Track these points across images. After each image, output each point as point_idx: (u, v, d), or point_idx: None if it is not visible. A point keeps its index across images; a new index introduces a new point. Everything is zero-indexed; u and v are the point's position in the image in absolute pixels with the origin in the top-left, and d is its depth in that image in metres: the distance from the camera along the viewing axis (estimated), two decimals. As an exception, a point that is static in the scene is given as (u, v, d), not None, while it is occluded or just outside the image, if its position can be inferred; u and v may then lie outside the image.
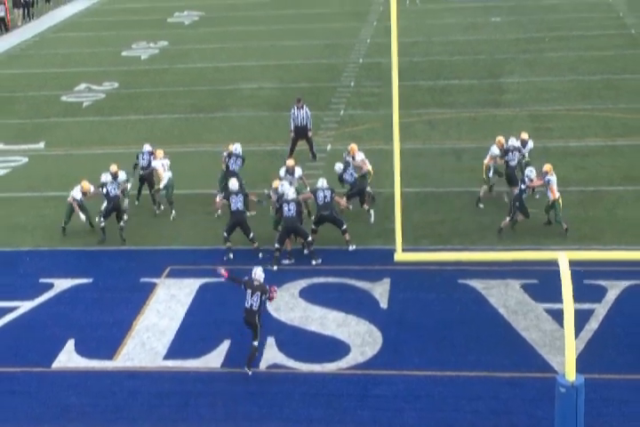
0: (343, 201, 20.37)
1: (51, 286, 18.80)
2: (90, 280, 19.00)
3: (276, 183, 20.26)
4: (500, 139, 22.21)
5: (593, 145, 25.18)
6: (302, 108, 24.81)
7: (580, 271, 15.89)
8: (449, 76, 32.00)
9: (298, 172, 21.15)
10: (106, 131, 27.93)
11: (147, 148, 22.43)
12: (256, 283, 15.72)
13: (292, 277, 18.63)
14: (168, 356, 16.27)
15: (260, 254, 19.53)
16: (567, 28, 37.87)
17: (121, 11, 46.07)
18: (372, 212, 20.93)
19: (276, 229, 19.84)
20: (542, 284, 17.69)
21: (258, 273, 15.79)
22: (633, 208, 21.31)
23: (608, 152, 24.55)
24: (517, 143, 21.95)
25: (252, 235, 19.87)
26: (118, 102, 30.84)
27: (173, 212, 21.64)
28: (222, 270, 16.00)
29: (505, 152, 21.84)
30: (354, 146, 22.09)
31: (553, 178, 19.90)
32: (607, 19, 39.37)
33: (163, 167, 22.10)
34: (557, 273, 14.17)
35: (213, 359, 16.10)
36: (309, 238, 19.45)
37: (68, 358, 16.29)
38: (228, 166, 22.26)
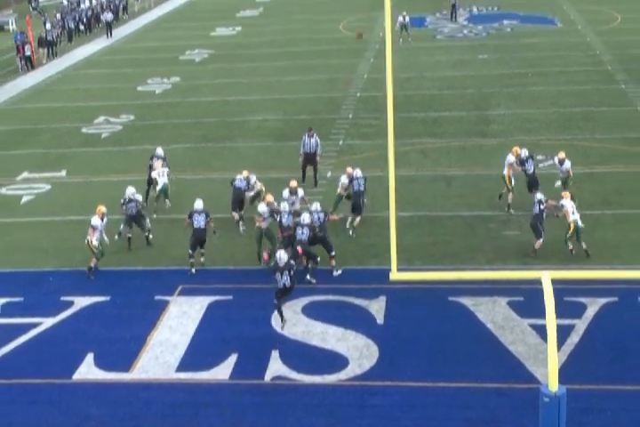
0: (335, 216, 20.82)
1: (71, 303, 18.79)
2: (107, 298, 18.99)
3: (268, 197, 20.52)
4: (517, 148, 22.98)
5: (574, 172, 25.14)
6: (313, 136, 25.09)
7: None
8: (439, 109, 32.08)
9: (300, 192, 21.35)
10: (123, 160, 27.99)
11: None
12: (282, 264, 16.86)
13: (295, 295, 18.51)
14: (180, 368, 16.23)
15: (193, 270, 19.88)
16: (548, 64, 37.99)
17: (137, 49, 46.25)
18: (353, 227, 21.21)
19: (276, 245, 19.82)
20: (527, 301, 17.67)
21: (282, 256, 17.09)
22: (610, 230, 21.32)
23: (587, 179, 24.55)
24: (527, 153, 22.87)
25: (203, 251, 20.43)
26: (134, 133, 30.93)
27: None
28: (265, 255, 17.47)
29: (521, 162, 22.65)
30: (349, 169, 22.41)
31: (566, 202, 19.99)
32: (585, 56, 39.50)
33: (159, 175, 23.53)
34: (541, 291, 14.16)
35: (222, 372, 16.07)
36: (318, 259, 19.52)
37: (88, 370, 16.27)
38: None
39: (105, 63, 43.17)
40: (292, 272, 17.22)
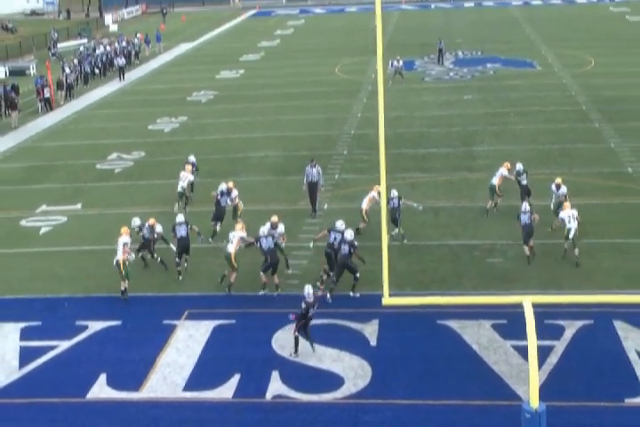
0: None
1: (85, 327, 18.78)
2: (119, 322, 19.00)
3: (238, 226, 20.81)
4: (507, 163, 24.91)
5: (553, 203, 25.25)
6: (315, 166, 25.25)
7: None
8: (428, 146, 32.21)
9: (281, 228, 20.97)
10: (134, 193, 28.07)
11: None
12: (310, 300, 17.07)
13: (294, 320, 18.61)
14: (186, 388, 16.22)
15: (180, 277, 20.93)
16: (528, 104, 38.21)
17: (147, 91, 46.46)
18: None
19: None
20: (509, 323, 17.66)
21: (309, 291, 17.17)
22: (586, 258, 21.33)
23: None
24: (522, 167, 24.74)
25: (187, 257, 21.49)
26: (145, 169, 31.03)
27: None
28: (292, 316, 17.09)
29: (518, 174, 24.49)
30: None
31: (563, 214, 21.40)
32: (562, 97, 39.72)
33: (181, 179, 26.03)
34: (522, 314, 14.22)
35: (226, 391, 16.05)
36: (357, 274, 19.86)
37: (101, 390, 16.25)
38: (219, 202, 23.93)
39: (118, 104, 43.37)
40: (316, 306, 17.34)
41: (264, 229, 20.50)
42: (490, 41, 58.24)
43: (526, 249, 21.26)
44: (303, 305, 17.17)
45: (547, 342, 16.79)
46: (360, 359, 16.96)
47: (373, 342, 17.62)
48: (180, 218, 21.61)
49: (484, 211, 24.44)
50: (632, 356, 16.68)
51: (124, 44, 56.48)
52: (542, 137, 32.25)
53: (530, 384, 13.92)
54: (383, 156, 14.75)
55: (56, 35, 62.47)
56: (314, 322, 18.32)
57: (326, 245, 20.57)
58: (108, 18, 77.62)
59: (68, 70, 46.12)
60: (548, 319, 17.55)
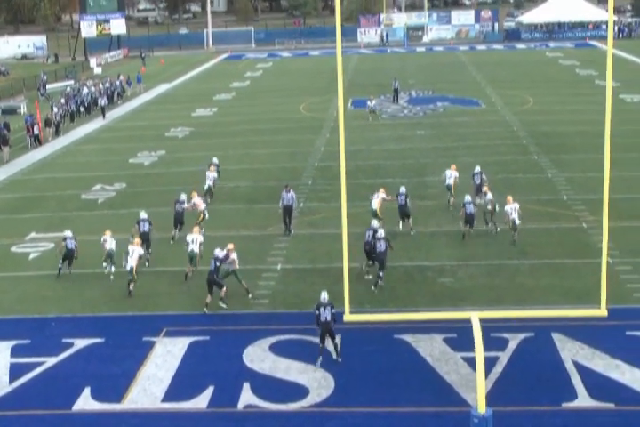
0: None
1: (71, 344, 18.64)
2: (102, 340, 18.86)
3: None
4: (453, 166, 28.40)
5: (500, 227, 25.50)
6: (289, 191, 25.61)
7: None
8: (385, 176, 32.35)
9: (233, 255, 20.74)
10: (116, 221, 27.85)
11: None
12: (325, 300, 17.23)
13: (263, 335, 18.62)
14: (165, 399, 16.16)
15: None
16: (474, 138, 38.57)
17: (128, 128, 46.35)
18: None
19: None
20: (459, 337, 17.80)
21: (324, 296, 17.30)
22: (527, 277, 21.59)
23: (507, 234, 24.85)
24: (479, 169, 28.02)
25: (150, 250, 23.09)
26: (126, 199, 30.89)
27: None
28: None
29: (472, 176, 27.64)
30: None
31: (508, 208, 24.03)
32: (505, 132, 40.19)
33: (207, 178, 29.18)
34: (471, 328, 14.35)
35: (201, 402, 16.01)
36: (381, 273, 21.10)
37: (85, 402, 16.13)
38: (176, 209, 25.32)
39: (101, 140, 43.24)
40: (332, 309, 17.05)
41: (217, 252, 20.57)
42: (440, 82, 58.84)
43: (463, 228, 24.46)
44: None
45: (492, 354, 16.92)
46: (323, 371, 16.97)
47: (335, 356, 17.57)
48: (144, 215, 23.61)
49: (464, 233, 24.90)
50: (568, 365, 16.86)
51: (107, 84, 56.42)
52: (488, 168, 32.36)
53: (477, 392, 14.03)
54: (344, 185, 14.88)
55: (45, 77, 62.19)
56: (281, 337, 18.43)
57: (363, 244, 21.90)
58: (93, 61, 77.45)
59: (55, 109, 45.95)
60: (494, 333, 17.67)
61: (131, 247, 21.58)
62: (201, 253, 21.79)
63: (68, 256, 22.91)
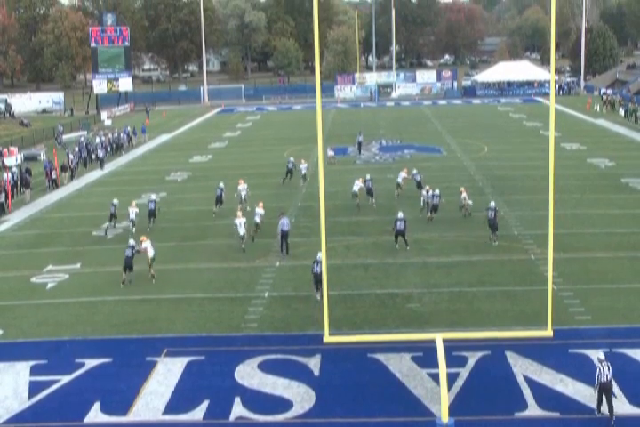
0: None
1: (83, 364, 18.51)
2: (110, 360, 18.75)
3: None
4: (406, 168, 35.36)
5: (457, 260, 25.70)
6: (283, 216, 27.18)
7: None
8: (359, 214, 32.54)
9: (145, 245, 24.32)
10: (124, 255, 27.76)
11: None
12: (319, 259, 20.94)
13: (253, 355, 18.57)
14: (165, 412, 16.06)
15: (122, 285, 23.52)
16: (437, 181, 38.23)
17: (134, 172, 46.38)
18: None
19: None
20: (425, 355, 17.80)
21: (319, 255, 20.86)
22: (484, 302, 21.68)
23: (467, 264, 25.04)
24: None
25: (132, 273, 24.34)
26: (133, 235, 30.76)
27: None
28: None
29: (412, 176, 34.56)
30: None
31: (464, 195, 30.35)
32: (463, 175, 40.46)
33: (240, 190, 33.06)
34: (435, 348, 14.39)
35: (197, 414, 15.93)
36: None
37: (95, 415, 16.02)
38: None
39: (110, 183, 43.24)
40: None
41: (131, 242, 24.46)
42: (407, 132, 59.37)
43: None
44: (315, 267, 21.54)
45: (454, 370, 16.94)
46: (306, 386, 16.92)
47: (317, 373, 17.61)
48: (131, 242, 24.58)
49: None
50: (520, 379, 16.91)
51: (115, 135, 56.53)
52: (449, 207, 32.67)
53: (441, 403, 14.03)
54: (323, 223, 15.01)
55: (62, 128, 62.29)
56: (268, 357, 18.39)
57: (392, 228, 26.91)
58: (104, 114, 77.63)
59: (71, 156, 45.97)
60: (455, 351, 17.74)
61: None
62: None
63: (128, 265, 24.09)
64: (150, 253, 24.59)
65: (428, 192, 31.32)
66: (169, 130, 67.58)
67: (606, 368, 15.17)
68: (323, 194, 15.06)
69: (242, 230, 27.34)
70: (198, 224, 32.05)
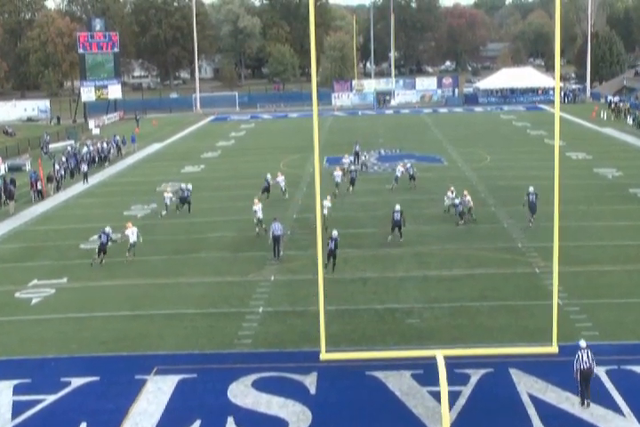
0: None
1: (69, 383, 18.44)
2: (98, 378, 18.67)
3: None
4: (402, 164, 39.74)
5: (458, 273, 25.72)
6: (277, 221, 28.25)
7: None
8: (357, 226, 32.56)
9: (127, 232, 27.81)
10: (112, 269, 27.84)
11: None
12: (334, 236, 25.68)
13: (246, 373, 18.53)
14: (155, 433, 15.98)
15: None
16: (438, 192, 38.50)
17: (123, 183, 46.40)
18: None
19: None
20: (425, 373, 17.78)
21: (335, 233, 26.14)
22: (487, 318, 21.68)
23: (468, 278, 25.06)
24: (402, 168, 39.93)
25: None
26: (122, 248, 30.58)
27: None
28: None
29: (406, 169, 39.44)
30: None
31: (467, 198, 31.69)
32: (465, 186, 39.91)
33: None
34: (436, 365, 14.39)
35: (189, 435, 15.85)
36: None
37: (81, 436, 15.92)
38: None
39: (98, 194, 43.24)
40: (336, 241, 25.64)
41: (107, 229, 28.29)
42: (406, 141, 59.49)
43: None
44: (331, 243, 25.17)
45: (456, 388, 16.93)
46: (302, 406, 16.88)
47: (313, 391, 17.56)
48: (107, 229, 27.91)
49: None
50: (524, 398, 16.89)
51: (105, 144, 56.61)
52: (450, 219, 32.88)
53: (442, 423, 14.01)
54: (320, 235, 15.04)
55: (48, 137, 62.38)
56: (262, 375, 18.38)
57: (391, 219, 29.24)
58: (92, 123, 77.78)
59: (57, 166, 46.00)
60: (457, 368, 17.71)
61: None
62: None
63: (101, 249, 27.73)
64: (132, 239, 28.12)
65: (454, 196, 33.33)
66: (160, 139, 67.68)
67: (585, 356, 16.14)
68: (319, 205, 15.11)
69: (260, 215, 30.96)
70: (190, 237, 32.06)
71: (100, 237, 28.07)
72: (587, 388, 16.32)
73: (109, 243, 27.92)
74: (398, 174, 39.58)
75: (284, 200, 38.15)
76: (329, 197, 32.72)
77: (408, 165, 41.57)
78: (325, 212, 31.26)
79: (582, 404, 16.33)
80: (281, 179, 39.02)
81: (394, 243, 29.50)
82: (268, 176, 38.86)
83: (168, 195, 36.22)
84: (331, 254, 25.70)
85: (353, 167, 35.12)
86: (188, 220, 35.22)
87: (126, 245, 28.80)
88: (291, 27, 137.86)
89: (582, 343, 16.54)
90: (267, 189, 38.32)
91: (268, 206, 36.85)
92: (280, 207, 36.73)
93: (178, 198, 36.16)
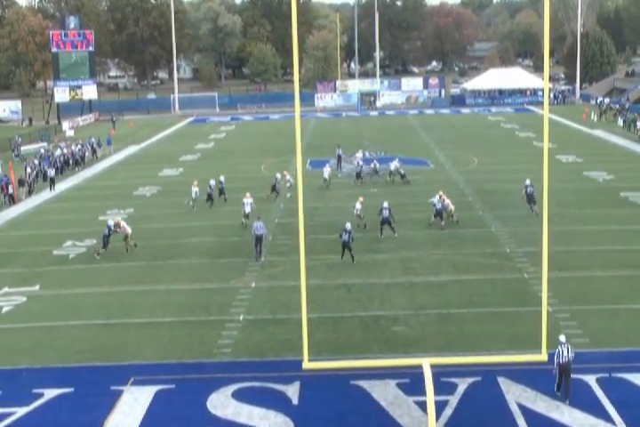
0: None
1: (41, 394, 18.32)
2: (72, 389, 18.58)
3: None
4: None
5: (445, 279, 25.79)
6: (259, 220, 28.91)
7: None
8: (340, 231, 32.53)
9: (122, 224, 30.10)
10: (87, 276, 27.70)
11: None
12: (348, 228, 27.31)
13: (226, 383, 18.50)
14: (132, 446, 15.90)
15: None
16: (423, 196, 38.59)
17: (98, 187, 46.20)
18: None
19: None
20: (411, 382, 17.85)
21: (349, 225, 27.70)
22: (474, 325, 21.76)
23: (455, 284, 25.14)
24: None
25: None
26: (90, 252, 30.59)
27: None
28: None
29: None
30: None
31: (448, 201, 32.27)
32: (451, 189, 40.26)
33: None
34: (422, 374, 14.42)
35: (166, 447, 15.79)
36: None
37: (54, 450, 15.81)
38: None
39: (73, 198, 43.05)
40: (351, 234, 27.03)
41: (110, 223, 30.07)
42: (392, 143, 59.62)
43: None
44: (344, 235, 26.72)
45: (442, 397, 16.99)
46: (284, 416, 16.87)
47: (295, 401, 17.56)
48: (110, 222, 30.00)
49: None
50: (513, 407, 16.98)
51: (79, 146, 56.36)
52: (436, 223, 32.94)
53: (428, 433, 14.03)
54: (302, 240, 15.05)
55: (19, 139, 62.05)
56: (243, 385, 18.35)
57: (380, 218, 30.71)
58: (66, 124, 77.46)
59: (29, 170, 45.77)
60: (444, 377, 17.79)
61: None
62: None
63: (104, 242, 29.53)
64: (128, 230, 30.20)
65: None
66: (137, 141, 67.51)
67: (565, 350, 16.80)
68: (302, 209, 15.11)
69: (248, 209, 32.85)
70: (168, 242, 31.97)
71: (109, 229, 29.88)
72: (567, 383, 16.87)
73: (110, 234, 29.76)
74: (392, 169, 43.63)
75: (273, 204, 38.14)
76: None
77: (398, 164, 43.70)
78: (248, 209, 33.20)
79: (557, 390, 17.16)
80: (288, 178, 40.40)
81: (379, 248, 29.60)
82: (278, 176, 40.36)
83: (195, 188, 37.87)
84: (345, 246, 27.28)
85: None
86: (166, 225, 35.13)
87: (125, 244, 30.48)
88: (272, 25, 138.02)
89: (562, 338, 17.14)
90: (275, 188, 39.67)
91: (258, 208, 36.75)
92: (264, 211, 36.61)
93: (207, 194, 37.84)
